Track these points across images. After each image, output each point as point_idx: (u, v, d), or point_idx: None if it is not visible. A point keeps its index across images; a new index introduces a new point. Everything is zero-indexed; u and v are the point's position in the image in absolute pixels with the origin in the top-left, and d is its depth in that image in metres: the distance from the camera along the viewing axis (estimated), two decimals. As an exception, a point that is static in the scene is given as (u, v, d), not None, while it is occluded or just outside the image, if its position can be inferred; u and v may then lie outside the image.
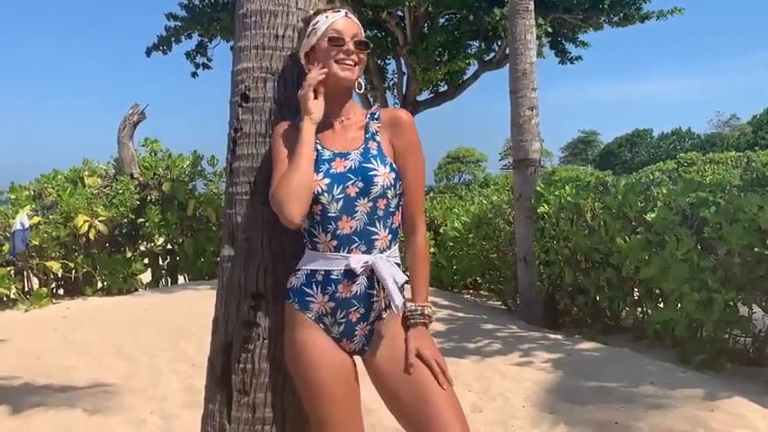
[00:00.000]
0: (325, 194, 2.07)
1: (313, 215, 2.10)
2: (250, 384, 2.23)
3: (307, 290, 2.11)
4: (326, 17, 2.17)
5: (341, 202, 2.08)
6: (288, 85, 2.32)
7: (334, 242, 2.09)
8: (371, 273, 2.10)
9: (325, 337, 2.12)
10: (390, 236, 2.15)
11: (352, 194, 2.09)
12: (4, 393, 4.92)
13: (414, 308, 2.12)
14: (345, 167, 2.11)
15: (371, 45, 2.26)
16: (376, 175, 2.10)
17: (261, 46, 2.32)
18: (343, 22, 2.17)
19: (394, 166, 2.15)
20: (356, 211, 2.10)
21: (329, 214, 2.09)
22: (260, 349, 2.24)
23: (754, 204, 5.17)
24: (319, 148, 2.15)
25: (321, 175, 2.09)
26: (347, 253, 2.09)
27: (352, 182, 2.09)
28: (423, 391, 2.00)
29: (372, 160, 2.13)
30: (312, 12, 2.24)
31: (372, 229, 2.12)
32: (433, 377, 2.02)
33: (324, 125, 2.19)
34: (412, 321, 2.11)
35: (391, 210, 2.15)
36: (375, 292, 2.12)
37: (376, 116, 2.22)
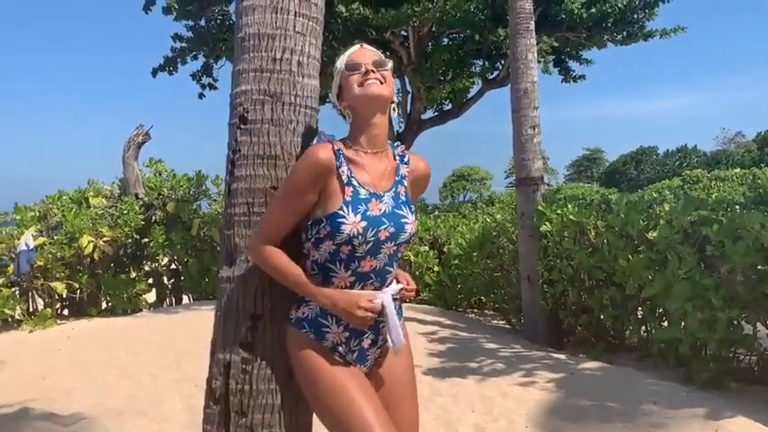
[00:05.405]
0: (359, 237, 2.08)
1: (338, 254, 2.10)
2: (248, 406, 2.23)
3: (322, 320, 2.15)
4: (344, 54, 2.23)
5: (370, 245, 2.10)
6: (285, 107, 2.33)
7: (352, 278, 2.13)
8: None
9: (341, 360, 2.17)
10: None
11: (382, 238, 2.12)
12: (9, 414, 4.91)
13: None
14: (380, 211, 2.12)
15: (392, 63, 2.29)
16: (407, 223, 2.17)
17: (259, 69, 2.34)
18: (359, 52, 2.22)
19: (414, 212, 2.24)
20: (380, 253, 2.14)
21: (356, 254, 2.11)
22: (258, 370, 2.24)
23: (757, 222, 5.15)
24: (355, 184, 2.12)
25: (359, 217, 2.08)
26: (360, 288, 2.14)
27: (385, 227, 2.12)
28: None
29: (403, 207, 2.18)
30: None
31: (389, 268, 2.19)
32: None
33: (357, 155, 2.17)
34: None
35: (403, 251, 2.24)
36: (382, 319, 2.18)
37: (405, 160, 2.27)
